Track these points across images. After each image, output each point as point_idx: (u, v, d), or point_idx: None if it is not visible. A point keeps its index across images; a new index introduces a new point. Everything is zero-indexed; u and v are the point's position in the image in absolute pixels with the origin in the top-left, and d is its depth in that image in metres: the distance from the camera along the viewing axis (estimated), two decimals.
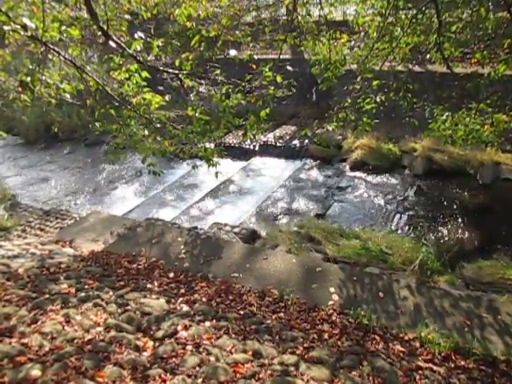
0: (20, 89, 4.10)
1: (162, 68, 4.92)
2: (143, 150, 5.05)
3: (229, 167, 11.47)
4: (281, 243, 6.54)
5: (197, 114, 4.69)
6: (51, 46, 4.16)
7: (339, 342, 3.65)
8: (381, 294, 4.47)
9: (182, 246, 5.66)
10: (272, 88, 4.76)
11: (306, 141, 12.32)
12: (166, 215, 8.98)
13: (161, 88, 5.65)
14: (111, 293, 4.23)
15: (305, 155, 11.96)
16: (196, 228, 7.24)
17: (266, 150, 12.57)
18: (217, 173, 5.28)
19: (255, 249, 5.74)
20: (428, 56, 5.96)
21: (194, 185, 10.91)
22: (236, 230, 7.07)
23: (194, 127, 4.81)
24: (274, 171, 11.52)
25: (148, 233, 6.15)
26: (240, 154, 12.70)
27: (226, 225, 7.30)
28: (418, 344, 3.77)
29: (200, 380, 2.93)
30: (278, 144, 12.62)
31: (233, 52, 4.65)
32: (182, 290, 4.50)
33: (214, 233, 6.73)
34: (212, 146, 11.62)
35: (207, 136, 5.14)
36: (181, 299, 4.26)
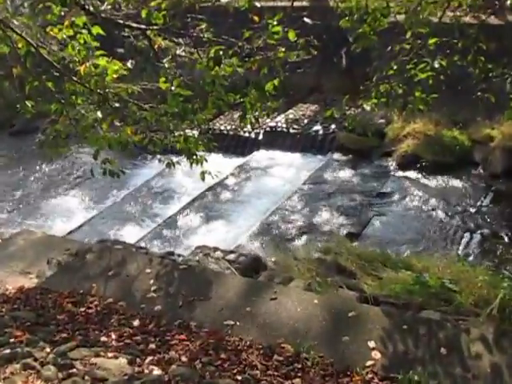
0: None
1: (122, 22, 4.94)
2: (95, 140, 5.05)
3: (220, 165, 11.47)
4: (296, 276, 6.51)
5: (173, 88, 4.70)
6: None
7: None
8: (443, 351, 4.44)
9: (152, 281, 5.65)
10: (282, 50, 4.76)
11: (333, 126, 12.34)
12: (129, 235, 9.00)
13: (120, 51, 5.69)
14: (48, 349, 4.21)
15: (331, 147, 11.98)
16: (172, 254, 7.23)
17: (275, 139, 12.61)
18: (203, 173, 5.28)
19: (259, 284, 5.72)
20: (509, 1, 5.97)
21: (170, 191, 10.93)
22: (231, 256, 7.04)
23: (168, 107, 4.81)
24: (286, 171, 11.54)
25: (102, 261, 6.14)
26: (236, 145, 12.74)
27: (215, 249, 7.28)
28: None
29: None
30: (291, 131, 12.66)
31: None
32: (152, 346, 4.48)
33: (199, 261, 6.72)
34: (196, 133, 11.53)
35: (188, 120, 5.14)
36: (150, 358, 4.24)
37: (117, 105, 4.91)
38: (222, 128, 13.12)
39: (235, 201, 10.31)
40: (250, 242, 8.52)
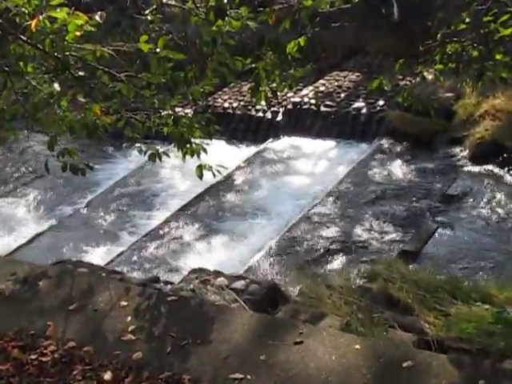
0: None
1: None
2: (51, 122, 5.07)
3: (224, 156, 11.46)
4: (330, 311, 6.50)
5: (158, 50, 4.71)
6: None
7: None
8: None
9: (130, 318, 5.65)
10: None
11: (381, 102, 12.30)
12: (98, 255, 9.03)
13: None
14: None
15: (379, 131, 11.97)
16: (157, 281, 7.24)
17: (300, 120, 12.65)
18: (201, 168, 5.26)
19: (278, 323, 5.70)
20: None
21: (154, 193, 10.94)
22: (238, 284, 7.05)
23: (152, 76, 4.81)
24: (315, 165, 11.53)
25: (61, 290, 6.16)
26: (246, 129, 12.76)
27: (217, 274, 7.29)
28: None
29: None
30: (323, 109, 12.64)
31: None
32: None
33: (195, 291, 6.73)
34: (190, 113, 11.45)
35: (180, 94, 5.14)
36: None
37: (81, 73, 4.92)
38: (227, 105, 13.15)
39: (245, 207, 10.29)
40: (266, 265, 8.48)
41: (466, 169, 10.59)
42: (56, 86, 4.96)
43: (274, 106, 12.76)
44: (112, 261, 8.76)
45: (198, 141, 5.35)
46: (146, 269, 8.65)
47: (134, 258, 8.97)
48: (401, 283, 7.07)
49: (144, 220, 10.15)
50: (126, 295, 6.02)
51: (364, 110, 12.37)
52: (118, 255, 9.02)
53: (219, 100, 13.26)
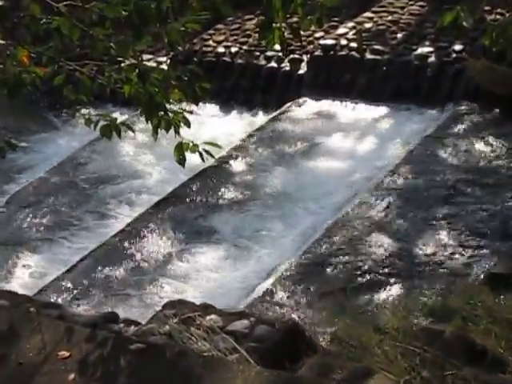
0: None
1: None
2: None
3: (218, 130, 11.54)
4: (380, 366, 6.52)
5: None
6: None
7: None
8: None
9: (73, 375, 5.66)
10: None
11: (458, 47, 12.29)
12: (24, 279, 9.06)
13: None
14: None
15: (454, 92, 11.96)
16: (115, 320, 7.24)
17: (333, 74, 12.68)
18: (181, 148, 5.25)
19: None
20: None
21: (110, 185, 10.97)
22: (239, 325, 7.04)
23: (108, 8, 4.81)
24: (356, 141, 11.55)
25: None
26: (252, 87, 12.77)
27: (207, 309, 7.30)
28: None
29: None
30: (369, 56, 12.64)
31: None
32: None
33: (172, 334, 6.74)
34: (165, 63, 11.44)
35: (150, 34, 5.15)
36: None
37: None
38: (222, 51, 13.18)
39: (249, 206, 10.29)
40: (281, 295, 8.47)
41: None
42: None
43: (294, 51, 12.77)
44: (46, 288, 8.77)
45: (176, 107, 5.35)
46: (98, 301, 8.65)
47: (80, 283, 8.97)
48: (488, 324, 7.06)
49: (95, 225, 10.18)
50: (67, 341, 6.03)
51: (432, 59, 12.38)
52: (55, 280, 9.02)
53: (210, 43, 13.31)
